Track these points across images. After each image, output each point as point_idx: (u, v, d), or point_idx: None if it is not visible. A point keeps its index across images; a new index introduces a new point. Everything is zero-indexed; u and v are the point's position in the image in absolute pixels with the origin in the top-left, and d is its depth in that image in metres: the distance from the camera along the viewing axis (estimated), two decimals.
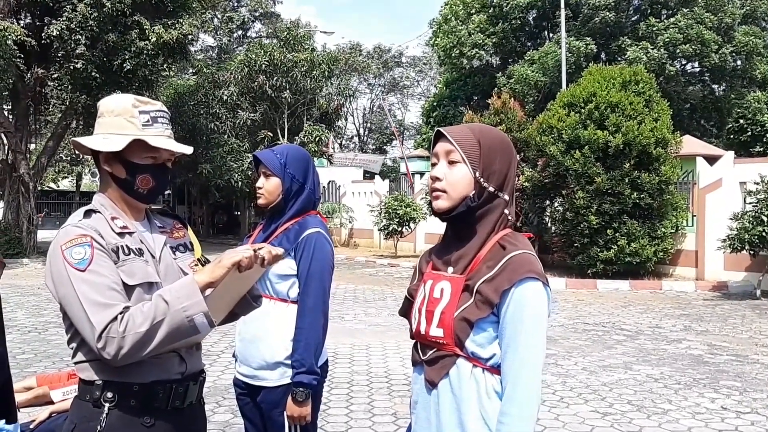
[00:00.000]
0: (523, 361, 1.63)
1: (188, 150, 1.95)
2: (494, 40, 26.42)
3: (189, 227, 2.18)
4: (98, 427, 1.80)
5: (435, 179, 1.75)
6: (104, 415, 1.81)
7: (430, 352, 1.75)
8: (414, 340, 1.84)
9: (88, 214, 1.90)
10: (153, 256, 1.94)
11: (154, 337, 1.72)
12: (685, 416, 5.30)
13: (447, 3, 28.65)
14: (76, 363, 1.88)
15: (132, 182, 1.93)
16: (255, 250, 1.81)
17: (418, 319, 1.78)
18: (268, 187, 2.63)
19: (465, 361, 1.68)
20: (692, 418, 5.27)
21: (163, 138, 1.93)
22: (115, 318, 1.72)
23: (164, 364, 1.87)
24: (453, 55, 27.15)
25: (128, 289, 1.82)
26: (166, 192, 36.14)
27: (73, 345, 1.87)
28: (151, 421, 1.86)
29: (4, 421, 2.89)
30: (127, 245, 1.88)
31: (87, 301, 1.73)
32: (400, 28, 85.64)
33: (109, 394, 1.82)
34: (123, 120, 1.91)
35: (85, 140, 1.93)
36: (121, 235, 1.89)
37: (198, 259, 2.11)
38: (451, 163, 1.74)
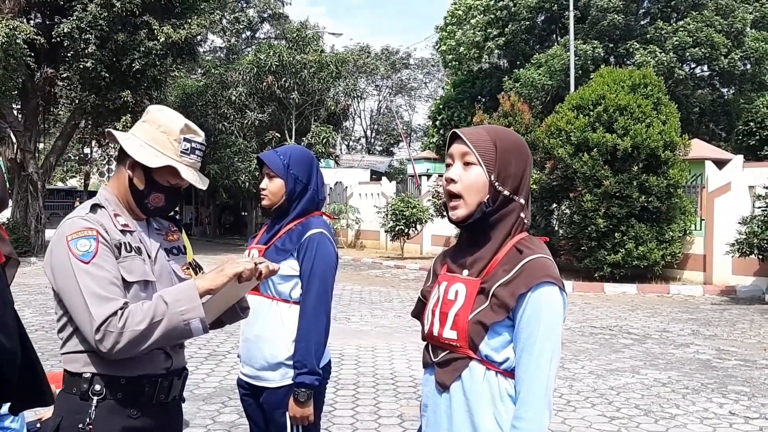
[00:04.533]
0: (537, 365, 1.61)
1: (204, 185, 2.02)
2: (501, 42, 26.38)
3: (183, 231, 2.23)
4: (87, 419, 1.82)
5: (450, 181, 1.72)
6: (92, 409, 1.83)
7: (442, 354, 1.72)
8: (426, 342, 1.82)
9: (94, 208, 1.94)
10: (149, 256, 1.99)
11: (150, 336, 1.77)
12: (693, 421, 5.27)
13: (449, 11, 28.72)
14: (64, 353, 1.90)
15: (146, 195, 1.99)
16: (255, 263, 1.87)
17: (431, 320, 1.76)
18: (272, 188, 2.63)
19: (478, 364, 1.66)
20: (700, 423, 5.24)
21: (192, 171, 1.99)
22: (115, 313, 1.76)
23: (151, 359, 1.91)
24: (453, 58, 27.24)
25: (126, 286, 1.86)
26: None
27: (64, 335, 1.90)
28: (137, 413, 1.89)
29: (11, 419, 2.90)
30: (129, 243, 1.93)
31: (88, 292, 1.77)
32: (411, 26, 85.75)
33: (97, 387, 1.84)
34: (165, 139, 1.97)
35: (124, 141, 1.97)
36: (122, 232, 1.94)
37: (189, 263, 2.15)
38: (467, 164, 1.71)
